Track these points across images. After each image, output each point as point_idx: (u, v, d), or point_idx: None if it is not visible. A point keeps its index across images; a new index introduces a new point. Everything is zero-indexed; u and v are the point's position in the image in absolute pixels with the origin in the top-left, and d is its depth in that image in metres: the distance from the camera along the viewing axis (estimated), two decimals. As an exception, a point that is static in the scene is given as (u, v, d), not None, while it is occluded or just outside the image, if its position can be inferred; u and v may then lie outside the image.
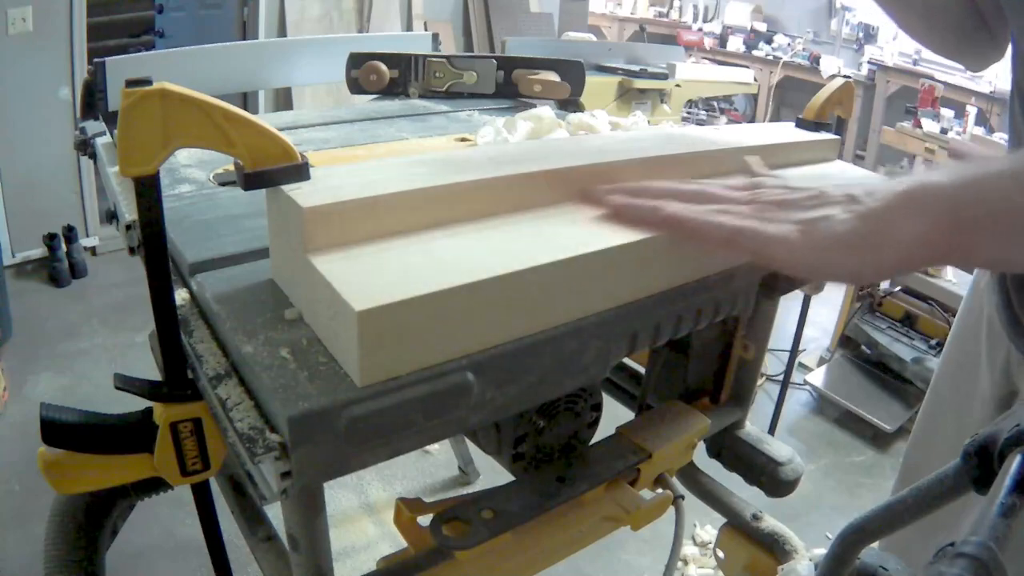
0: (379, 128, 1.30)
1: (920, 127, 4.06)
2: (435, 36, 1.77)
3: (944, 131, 3.98)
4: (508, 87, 1.53)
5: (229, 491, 1.06)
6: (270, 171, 0.59)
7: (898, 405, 2.60)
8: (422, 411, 0.56)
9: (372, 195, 0.62)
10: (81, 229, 3.29)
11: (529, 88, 1.50)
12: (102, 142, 1.14)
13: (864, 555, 0.62)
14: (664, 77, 3.04)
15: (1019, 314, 0.91)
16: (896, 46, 5.71)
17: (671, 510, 1.03)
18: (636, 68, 2.99)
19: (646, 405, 1.18)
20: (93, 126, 1.21)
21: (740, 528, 1.18)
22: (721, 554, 1.24)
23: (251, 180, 0.59)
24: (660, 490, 1.06)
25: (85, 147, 1.19)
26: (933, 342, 2.63)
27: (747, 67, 5.07)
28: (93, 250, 3.40)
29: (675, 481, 1.07)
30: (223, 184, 0.96)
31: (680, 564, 1.91)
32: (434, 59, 1.53)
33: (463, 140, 1.22)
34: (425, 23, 4.43)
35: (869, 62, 5.74)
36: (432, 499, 0.89)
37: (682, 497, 1.05)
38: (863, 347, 2.82)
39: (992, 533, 0.38)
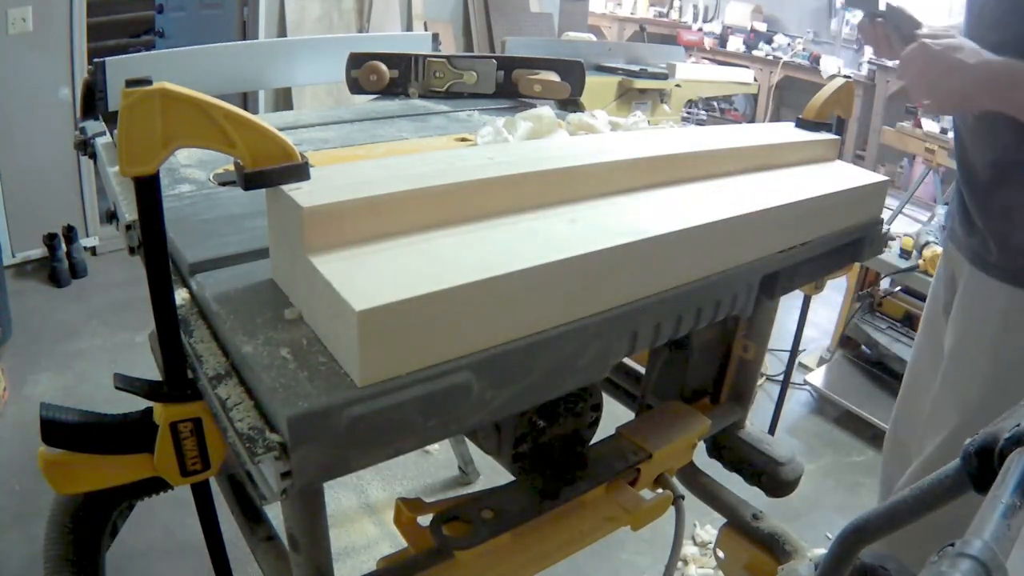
0: (379, 128, 1.30)
1: (920, 127, 4.06)
2: (435, 36, 1.77)
3: (944, 131, 3.97)
4: (508, 87, 1.53)
5: (229, 491, 1.06)
6: (270, 171, 0.59)
7: (898, 405, 2.60)
8: (422, 411, 0.56)
9: (372, 195, 0.62)
10: (81, 229, 3.28)
11: (529, 88, 1.50)
12: (102, 142, 1.14)
13: (864, 555, 0.62)
14: (664, 77, 3.04)
15: (970, 208, 1.19)
16: (896, 46, 5.71)
17: (671, 510, 1.03)
18: (636, 68, 2.98)
19: (646, 405, 1.18)
20: (93, 126, 1.21)
21: (740, 528, 1.18)
22: (721, 554, 1.24)
23: (251, 180, 0.59)
24: (660, 490, 1.06)
25: (85, 147, 1.19)
26: (933, 342, 2.63)
27: (747, 67, 5.07)
28: (93, 250, 3.40)
29: (675, 481, 1.07)
30: (223, 184, 0.96)
31: (680, 564, 1.91)
32: (434, 59, 1.53)
33: (463, 140, 1.22)
34: (425, 23, 4.42)
35: (869, 62, 5.74)
36: (432, 499, 0.89)
37: (682, 497, 1.05)
38: (863, 347, 2.81)
39: (994, 534, 0.38)
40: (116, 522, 0.91)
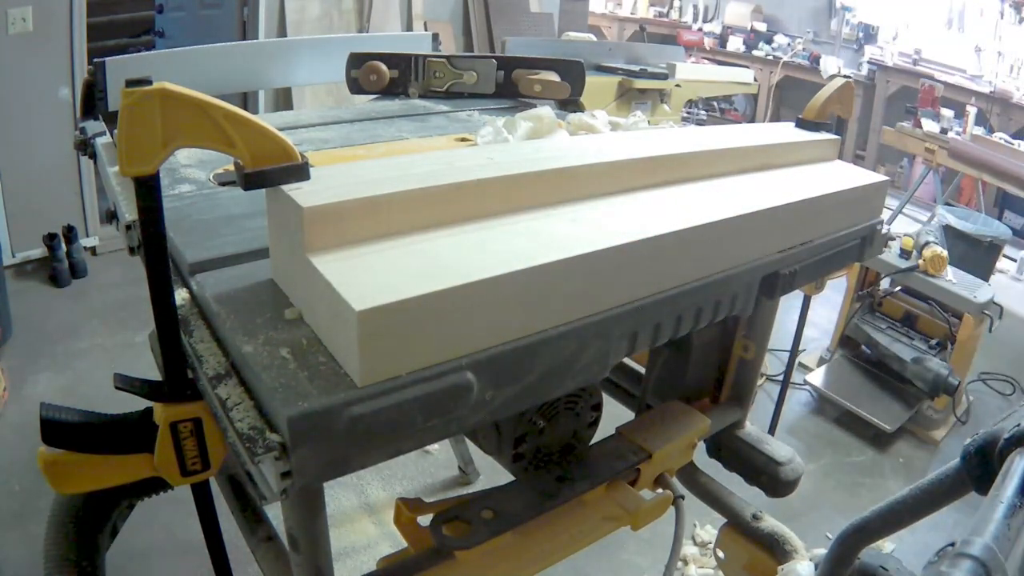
0: (379, 128, 1.30)
1: (920, 127, 4.06)
2: (435, 36, 1.77)
3: (944, 131, 3.97)
4: (508, 87, 1.53)
5: (229, 491, 1.06)
6: (270, 171, 0.59)
7: (898, 405, 2.60)
8: (422, 411, 0.56)
9: (372, 195, 0.62)
10: (81, 229, 3.28)
11: (529, 88, 1.50)
12: (102, 142, 1.14)
13: (864, 555, 0.62)
14: (664, 77, 3.04)
15: None
16: (896, 46, 5.71)
17: (671, 510, 1.03)
18: (636, 68, 2.98)
19: (646, 405, 1.18)
20: (93, 126, 1.21)
21: (740, 528, 1.18)
22: (721, 554, 1.24)
23: (251, 180, 0.59)
24: (660, 490, 1.06)
25: (85, 147, 1.19)
26: (933, 342, 2.63)
27: (747, 67, 5.06)
28: (93, 250, 3.40)
29: (675, 481, 1.07)
30: (223, 184, 0.96)
31: (680, 564, 1.91)
32: (434, 59, 1.53)
33: (463, 140, 1.22)
34: (425, 23, 4.42)
35: (869, 62, 5.75)
36: (432, 499, 0.89)
37: (682, 497, 1.05)
38: (863, 347, 2.81)
39: (994, 534, 0.38)
40: (116, 522, 0.91)
